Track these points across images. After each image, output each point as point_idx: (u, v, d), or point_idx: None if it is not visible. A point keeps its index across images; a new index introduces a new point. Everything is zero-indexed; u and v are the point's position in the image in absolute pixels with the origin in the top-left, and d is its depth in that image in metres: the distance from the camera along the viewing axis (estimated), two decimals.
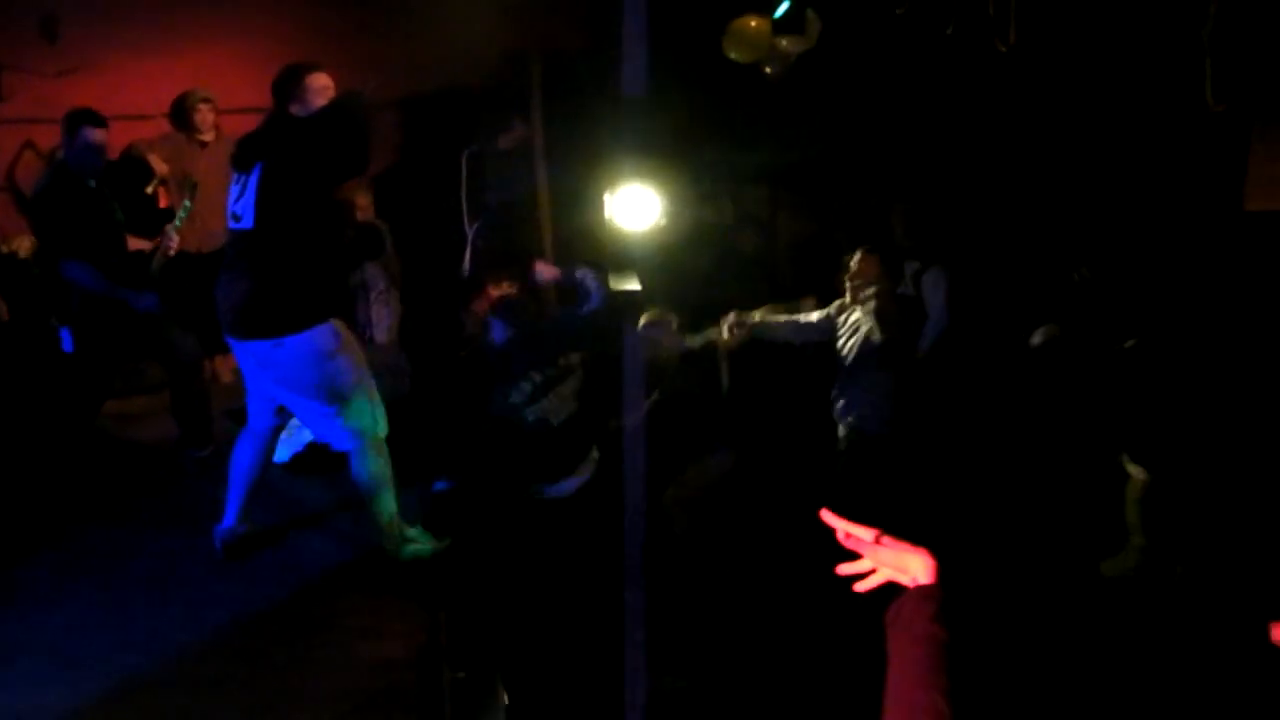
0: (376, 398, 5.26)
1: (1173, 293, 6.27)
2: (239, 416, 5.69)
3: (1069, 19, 6.35)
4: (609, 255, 7.90)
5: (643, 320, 5.38)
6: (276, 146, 4.97)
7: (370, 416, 5.20)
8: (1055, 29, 6.20)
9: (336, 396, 5.07)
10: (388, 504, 5.30)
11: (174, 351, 6.58)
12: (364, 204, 7.74)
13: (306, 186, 4.93)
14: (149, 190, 7.43)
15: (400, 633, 4.72)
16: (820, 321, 6.45)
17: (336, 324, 5.11)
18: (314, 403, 5.11)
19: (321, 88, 5.05)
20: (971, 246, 7.06)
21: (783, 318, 6.58)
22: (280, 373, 5.05)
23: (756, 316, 6.52)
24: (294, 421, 6.69)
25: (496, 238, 7.78)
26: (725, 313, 6.52)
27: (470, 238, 7.77)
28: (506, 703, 4.20)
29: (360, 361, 5.19)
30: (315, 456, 6.54)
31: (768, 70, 7.74)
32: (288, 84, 5.05)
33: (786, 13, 7.20)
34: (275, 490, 6.28)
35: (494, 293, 6.87)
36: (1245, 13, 5.22)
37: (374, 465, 5.23)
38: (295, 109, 5.05)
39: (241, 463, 5.47)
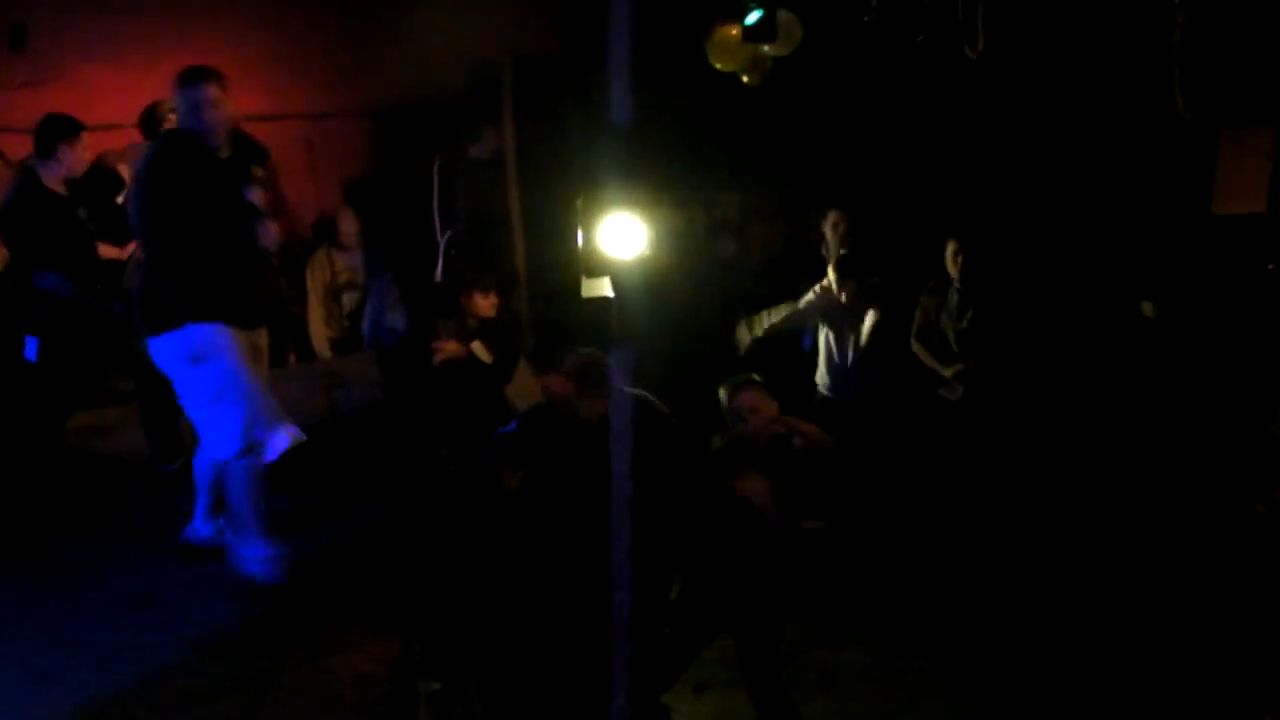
0: (262, 418, 5.03)
1: (1142, 293, 6.33)
2: None
3: (1037, 26, 6.40)
4: (582, 264, 7.98)
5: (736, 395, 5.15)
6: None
7: (236, 434, 4.96)
8: (1024, 36, 6.24)
9: (197, 402, 5.02)
10: (245, 523, 5.13)
11: (143, 363, 6.54)
12: (348, 230, 7.77)
13: (158, 200, 4.93)
14: (119, 200, 7.39)
15: (375, 644, 4.70)
16: (819, 303, 6.93)
17: (230, 331, 4.98)
18: (185, 402, 5.11)
19: (196, 103, 4.94)
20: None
21: (787, 310, 7.23)
22: (162, 367, 5.09)
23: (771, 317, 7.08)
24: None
25: (468, 246, 7.78)
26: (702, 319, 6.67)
27: (442, 246, 7.76)
28: (480, 713, 4.21)
29: (243, 375, 4.99)
30: (286, 467, 6.52)
31: (745, 79, 7.76)
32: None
33: (758, 20, 7.20)
34: None
35: (477, 302, 6.86)
36: (1212, 21, 5.27)
37: (235, 482, 5.10)
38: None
39: (201, 465, 5.45)
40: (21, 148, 6.64)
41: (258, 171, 5.01)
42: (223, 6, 7.98)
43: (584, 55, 7.94)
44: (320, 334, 7.91)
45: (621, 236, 7.11)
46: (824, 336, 6.94)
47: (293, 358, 7.93)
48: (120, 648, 4.65)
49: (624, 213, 7.03)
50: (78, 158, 6.29)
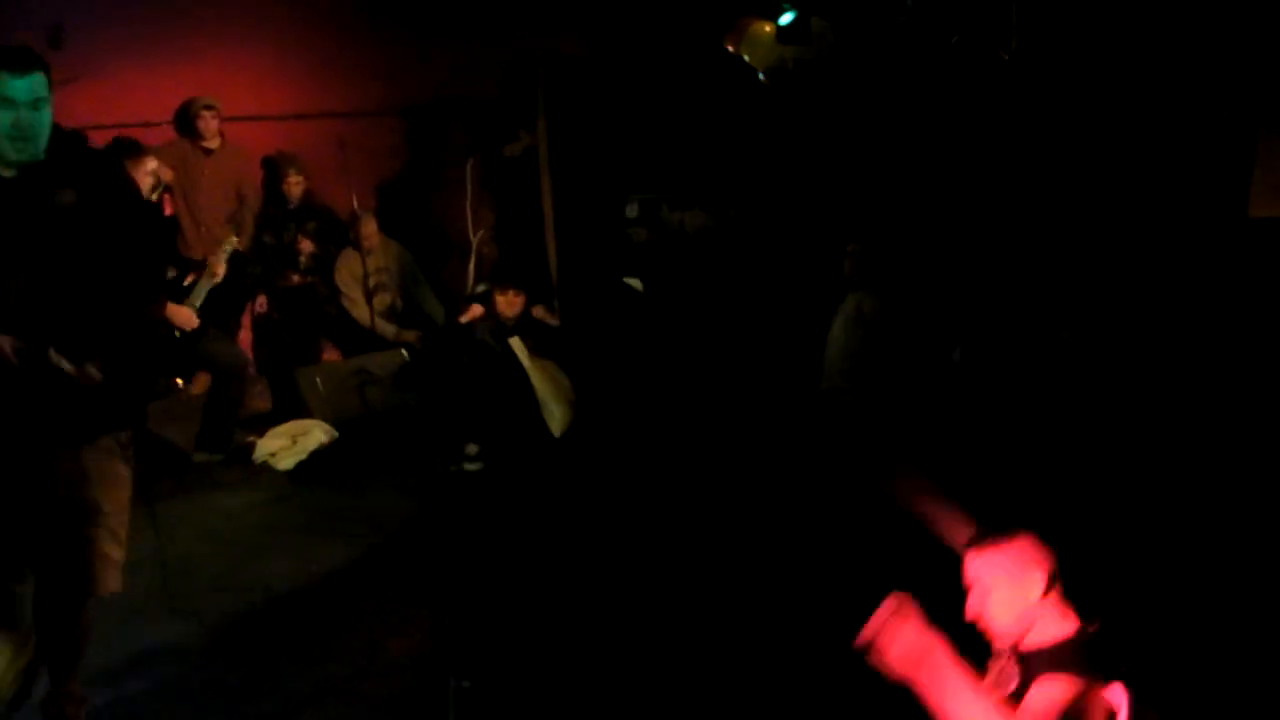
0: None
1: (1176, 298, 6.28)
2: (253, 424, 5.69)
3: (1071, 26, 6.36)
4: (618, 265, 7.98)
5: None
6: None
7: None
8: (1057, 36, 6.21)
9: None
10: None
11: (216, 360, 6.67)
12: (369, 232, 7.80)
13: None
14: (154, 197, 7.44)
15: (405, 640, 4.70)
16: None
17: None
18: None
19: None
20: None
21: None
22: None
23: None
24: (298, 432, 6.73)
25: (501, 246, 7.80)
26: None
27: (474, 246, 7.78)
28: (510, 710, 4.21)
29: None
30: (319, 465, 6.55)
31: (761, 76, 7.72)
32: None
33: (792, 22, 7.17)
34: (280, 499, 6.29)
35: (500, 302, 6.88)
36: (1249, 19, 5.23)
37: None
38: None
39: None
40: None
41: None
42: (256, 6, 8.03)
43: (617, 54, 7.95)
44: (370, 317, 7.91)
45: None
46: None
47: (327, 355, 7.98)
48: (149, 643, 4.67)
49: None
50: (142, 177, 6.34)
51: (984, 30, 6.01)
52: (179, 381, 6.89)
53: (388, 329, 7.89)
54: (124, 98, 7.51)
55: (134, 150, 6.27)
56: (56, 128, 3.49)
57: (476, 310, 6.96)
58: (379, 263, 7.97)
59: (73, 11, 7.71)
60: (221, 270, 6.59)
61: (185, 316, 6.35)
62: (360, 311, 7.81)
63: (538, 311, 6.94)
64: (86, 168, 3.65)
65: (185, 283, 6.51)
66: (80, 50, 7.71)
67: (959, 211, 7.52)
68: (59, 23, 7.70)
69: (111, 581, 3.76)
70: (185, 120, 7.86)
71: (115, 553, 3.77)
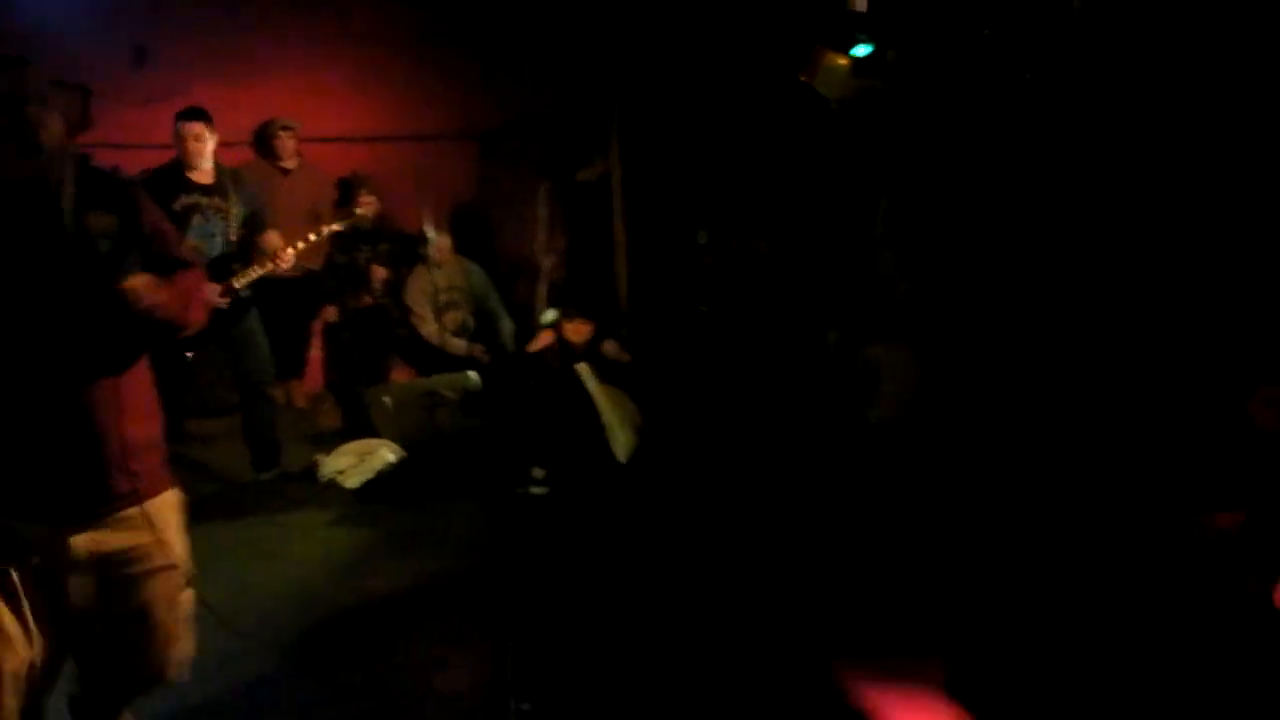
0: None
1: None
2: (322, 442, 5.70)
3: (1154, 64, 6.27)
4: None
5: None
6: None
7: None
8: (1142, 73, 6.13)
9: None
10: None
11: (246, 378, 6.66)
12: (441, 247, 7.84)
13: None
14: None
15: (467, 663, 4.70)
16: None
17: None
18: None
19: None
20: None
21: None
22: None
23: None
24: (365, 451, 6.76)
25: (571, 271, 7.82)
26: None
27: (545, 271, 7.81)
28: None
29: None
30: (385, 484, 6.58)
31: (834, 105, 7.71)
32: None
33: (868, 55, 7.15)
34: (346, 517, 6.32)
35: (568, 329, 6.90)
36: None
37: None
38: None
39: None
40: (136, 162, 6.78)
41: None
42: (334, 29, 8.13)
43: (691, 81, 7.96)
44: (441, 337, 7.93)
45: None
46: None
47: (398, 376, 8.03)
48: (219, 660, 4.68)
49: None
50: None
51: (1064, 66, 5.95)
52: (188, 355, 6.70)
53: (458, 345, 7.92)
54: None
55: None
56: None
57: (546, 338, 6.99)
58: (450, 280, 8.01)
59: (156, 32, 7.85)
60: (287, 260, 6.42)
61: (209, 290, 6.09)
62: (429, 329, 7.84)
63: (609, 348, 6.94)
64: None
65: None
66: (162, 70, 7.85)
67: (1028, 248, 7.46)
68: (142, 44, 7.85)
69: (177, 668, 3.42)
70: (263, 140, 7.97)
71: (177, 641, 3.36)
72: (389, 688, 4.52)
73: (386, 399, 7.16)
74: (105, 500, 3.02)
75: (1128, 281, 6.81)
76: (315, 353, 8.15)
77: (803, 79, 7.54)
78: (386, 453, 6.82)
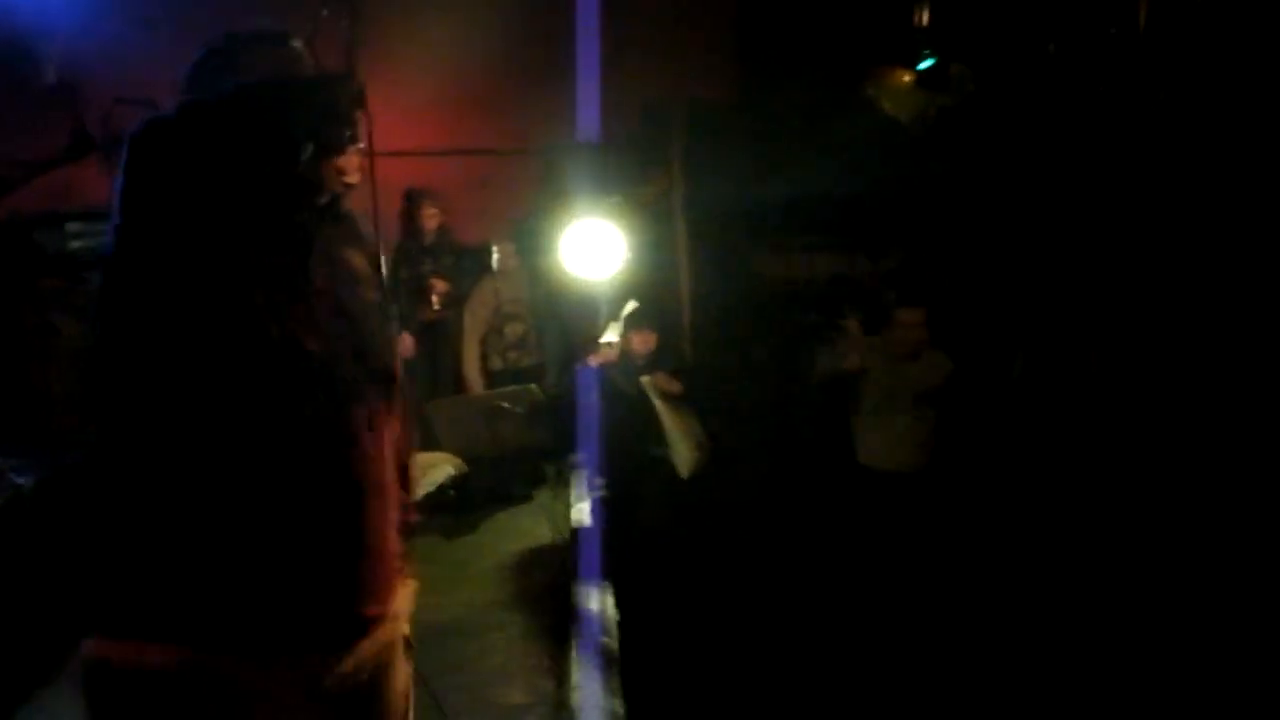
0: None
1: None
2: None
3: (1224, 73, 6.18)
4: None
5: None
6: None
7: None
8: (1211, 86, 6.05)
9: None
10: None
11: None
12: (505, 256, 7.87)
13: None
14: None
15: (530, 678, 4.70)
16: None
17: None
18: None
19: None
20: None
21: None
22: None
23: None
24: (426, 464, 6.78)
25: (634, 288, 7.81)
26: None
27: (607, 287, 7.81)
28: None
29: None
30: (446, 497, 6.60)
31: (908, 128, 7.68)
32: None
33: (930, 68, 7.12)
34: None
35: (633, 341, 6.89)
36: None
37: None
38: None
39: None
40: None
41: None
42: (399, 46, 8.18)
43: (754, 100, 7.96)
44: (473, 371, 7.98)
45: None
46: None
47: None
48: None
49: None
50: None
51: (1130, 79, 5.90)
52: None
53: (477, 381, 7.99)
54: None
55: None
56: None
57: (609, 353, 6.97)
58: (514, 291, 8.06)
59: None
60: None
61: None
62: (468, 366, 7.97)
63: (659, 381, 6.89)
64: None
65: None
66: None
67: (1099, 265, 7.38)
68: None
69: None
70: None
71: None
72: (450, 702, 4.53)
73: (448, 413, 7.18)
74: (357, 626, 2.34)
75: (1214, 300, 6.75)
76: None
77: (869, 93, 7.53)
78: (448, 466, 6.83)
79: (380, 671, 2.40)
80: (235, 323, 2.10)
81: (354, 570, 2.30)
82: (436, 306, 7.89)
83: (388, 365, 2.41)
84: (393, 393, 2.42)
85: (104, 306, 2.14)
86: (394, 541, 2.50)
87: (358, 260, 2.47)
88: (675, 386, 6.76)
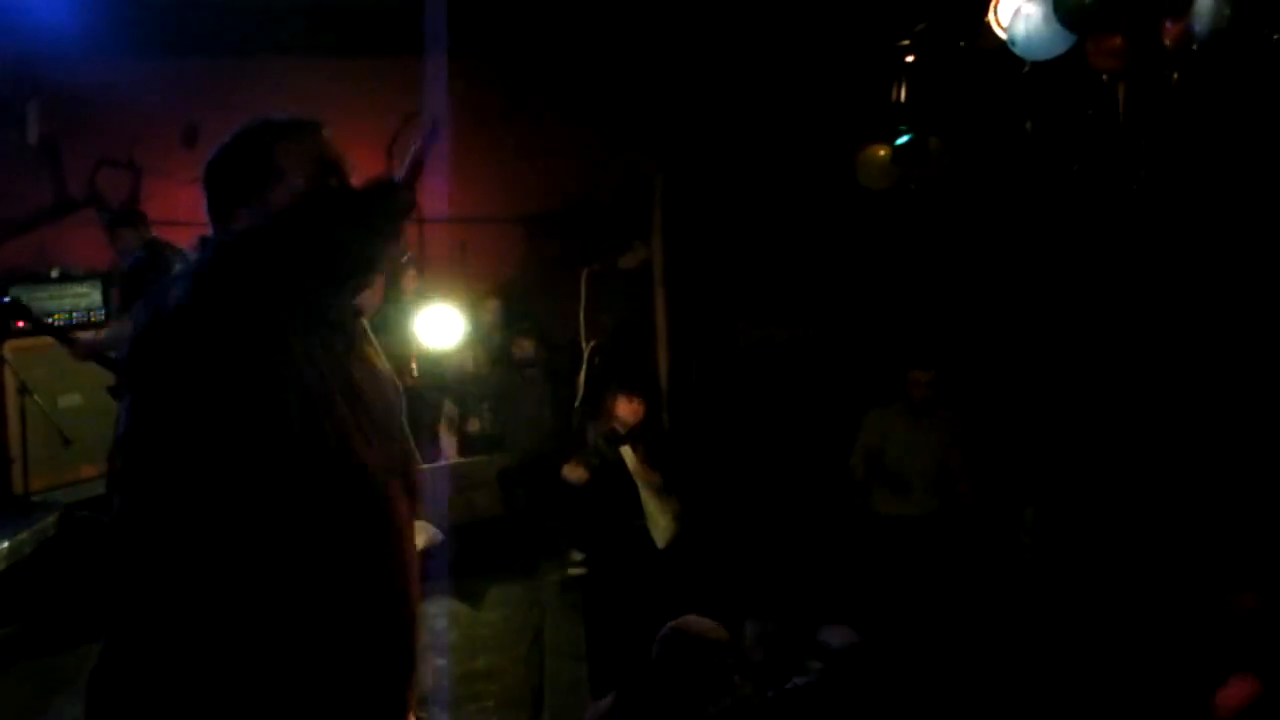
0: None
1: None
2: None
3: (1203, 158, 6.22)
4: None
5: None
6: None
7: None
8: (1188, 169, 6.09)
9: None
10: None
11: None
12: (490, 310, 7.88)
13: None
14: None
15: (539, 700, 4.68)
16: None
17: None
18: None
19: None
20: None
21: None
22: None
23: None
24: None
25: (613, 357, 7.83)
26: None
27: (586, 354, 7.82)
28: None
29: None
30: (420, 568, 6.55)
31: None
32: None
33: (907, 144, 7.16)
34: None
35: (621, 407, 6.88)
36: None
37: None
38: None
39: None
40: (188, 240, 6.83)
41: None
42: (384, 111, 8.21)
43: (734, 170, 8.01)
44: (448, 437, 7.96)
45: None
46: None
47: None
48: None
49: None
50: None
51: (1109, 160, 5.94)
52: None
53: (452, 453, 7.95)
54: None
55: None
56: None
57: (581, 473, 6.90)
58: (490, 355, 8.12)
59: (208, 112, 7.94)
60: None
61: None
62: (445, 441, 7.94)
63: (641, 471, 6.88)
64: None
65: None
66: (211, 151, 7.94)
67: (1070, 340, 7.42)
68: (195, 122, 7.94)
69: None
70: None
71: None
72: None
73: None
74: None
75: (1182, 374, 6.78)
76: None
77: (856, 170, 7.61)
78: (422, 536, 6.79)
79: None
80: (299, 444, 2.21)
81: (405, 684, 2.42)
82: (413, 371, 7.87)
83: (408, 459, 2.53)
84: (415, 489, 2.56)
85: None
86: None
87: (377, 358, 2.56)
88: (655, 478, 6.75)
